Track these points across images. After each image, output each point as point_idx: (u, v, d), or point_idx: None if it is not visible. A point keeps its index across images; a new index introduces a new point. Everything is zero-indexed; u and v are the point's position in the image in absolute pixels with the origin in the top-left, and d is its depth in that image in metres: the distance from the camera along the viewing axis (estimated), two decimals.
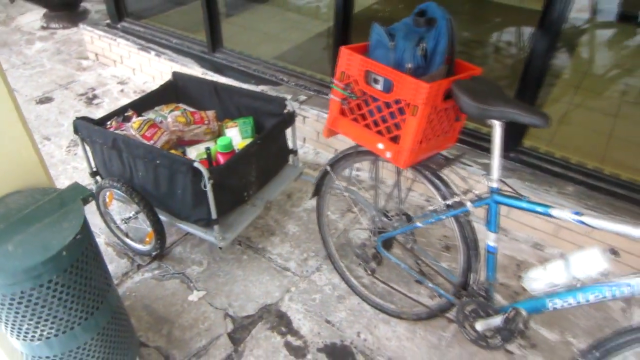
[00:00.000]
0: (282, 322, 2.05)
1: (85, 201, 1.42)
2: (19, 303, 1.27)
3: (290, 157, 2.47)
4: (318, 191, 2.09)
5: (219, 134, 2.44)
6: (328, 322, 2.06)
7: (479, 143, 2.62)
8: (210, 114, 2.42)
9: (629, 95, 2.60)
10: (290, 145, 2.44)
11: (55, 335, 1.39)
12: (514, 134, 2.48)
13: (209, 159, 2.14)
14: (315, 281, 2.24)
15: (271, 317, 2.07)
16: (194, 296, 2.15)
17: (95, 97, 3.70)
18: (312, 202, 2.65)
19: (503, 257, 2.38)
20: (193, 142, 2.37)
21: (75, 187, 1.46)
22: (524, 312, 1.57)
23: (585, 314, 1.39)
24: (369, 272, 2.00)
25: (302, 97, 3.02)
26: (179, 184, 1.98)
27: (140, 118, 2.28)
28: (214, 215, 1.99)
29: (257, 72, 3.28)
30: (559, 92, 2.93)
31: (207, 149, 2.12)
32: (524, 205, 1.48)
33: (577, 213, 1.38)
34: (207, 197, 1.94)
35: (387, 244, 1.96)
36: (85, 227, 1.37)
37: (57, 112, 3.51)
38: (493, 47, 3.14)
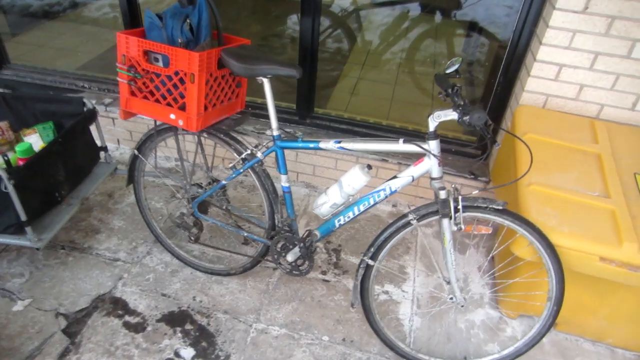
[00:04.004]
0: (117, 307, 2.12)
1: None
2: None
3: (102, 154, 2.51)
4: (132, 178, 2.19)
5: (17, 143, 2.37)
6: (164, 295, 2.18)
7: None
8: (3, 124, 2.34)
9: (403, 67, 3.23)
10: (99, 142, 2.47)
11: None
12: (308, 104, 2.86)
13: (9, 167, 2.09)
14: (147, 264, 2.33)
15: (106, 304, 2.12)
16: (18, 306, 2.09)
17: None
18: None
19: None
20: None
21: None
22: (317, 233, 1.91)
23: (375, 235, 1.79)
24: (193, 239, 2.17)
25: (108, 100, 3.04)
26: None
27: None
28: (23, 218, 1.96)
29: (54, 83, 3.19)
30: (349, 69, 3.43)
31: (5, 155, 2.08)
32: (300, 144, 1.81)
33: (337, 141, 1.74)
34: (12, 200, 1.91)
35: (203, 208, 2.16)
36: None
37: None
38: (284, 35, 3.53)
